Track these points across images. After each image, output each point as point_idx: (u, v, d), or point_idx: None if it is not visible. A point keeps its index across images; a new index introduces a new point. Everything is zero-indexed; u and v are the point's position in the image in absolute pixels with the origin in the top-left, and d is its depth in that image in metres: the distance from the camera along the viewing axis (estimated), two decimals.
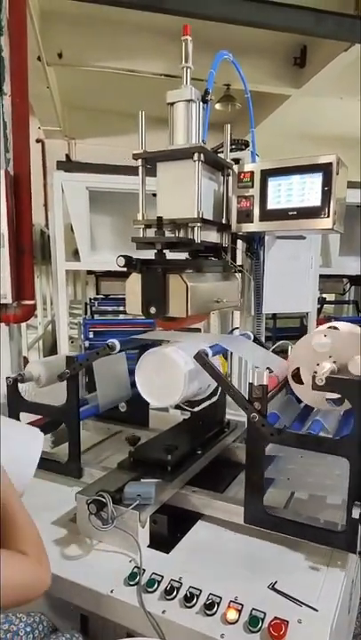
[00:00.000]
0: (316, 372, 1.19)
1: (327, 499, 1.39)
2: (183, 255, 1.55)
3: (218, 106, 5.31)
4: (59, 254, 2.85)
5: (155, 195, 1.46)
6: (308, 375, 1.28)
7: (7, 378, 1.61)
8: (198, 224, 1.34)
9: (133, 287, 1.36)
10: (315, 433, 1.26)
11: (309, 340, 1.31)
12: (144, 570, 1.14)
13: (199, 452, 1.57)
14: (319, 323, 3.41)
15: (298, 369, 1.34)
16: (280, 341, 1.76)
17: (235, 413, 1.81)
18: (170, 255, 1.41)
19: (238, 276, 1.79)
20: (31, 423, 1.65)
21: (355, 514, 1.10)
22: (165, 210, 1.41)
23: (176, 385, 1.34)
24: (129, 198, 2.48)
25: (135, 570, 1.14)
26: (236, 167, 1.59)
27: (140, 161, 1.42)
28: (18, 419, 1.63)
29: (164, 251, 1.36)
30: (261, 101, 5.60)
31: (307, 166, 1.46)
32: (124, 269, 1.36)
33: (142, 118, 1.42)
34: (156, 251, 1.36)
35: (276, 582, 1.11)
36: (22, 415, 1.65)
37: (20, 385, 1.65)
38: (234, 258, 1.88)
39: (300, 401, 1.42)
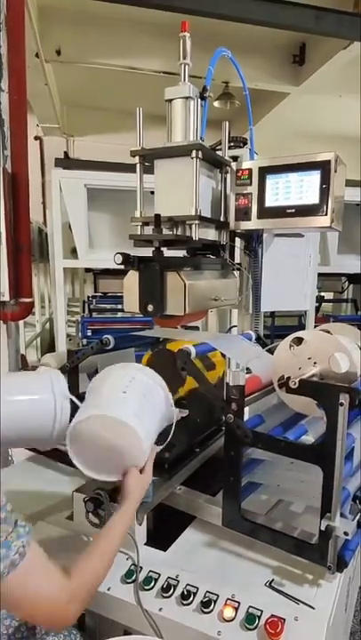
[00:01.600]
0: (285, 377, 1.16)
1: (314, 508, 1.36)
2: (181, 253, 1.55)
3: (216, 103, 5.30)
4: (57, 252, 2.84)
5: (153, 192, 1.45)
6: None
7: (23, 367, 1.63)
8: (196, 221, 1.33)
9: (131, 285, 1.36)
10: (292, 438, 1.21)
11: (285, 346, 1.29)
12: (141, 568, 1.14)
13: (197, 451, 1.57)
14: (317, 321, 3.41)
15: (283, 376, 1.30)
16: (277, 341, 1.75)
17: None
18: (168, 253, 1.40)
19: (236, 274, 1.78)
20: None
21: (323, 525, 1.05)
22: (163, 207, 1.40)
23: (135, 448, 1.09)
24: (127, 196, 2.47)
25: (132, 568, 1.14)
26: (234, 165, 1.59)
27: (137, 158, 1.41)
28: None
29: (162, 248, 1.35)
30: (260, 99, 5.59)
31: (305, 164, 1.46)
32: (122, 267, 1.36)
33: (140, 115, 1.42)
34: (153, 248, 1.35)
35: (272, 580, 1.11)
36: None
37: None
38: (232, 256, 1.88)
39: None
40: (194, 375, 1.26)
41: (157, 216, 1.35)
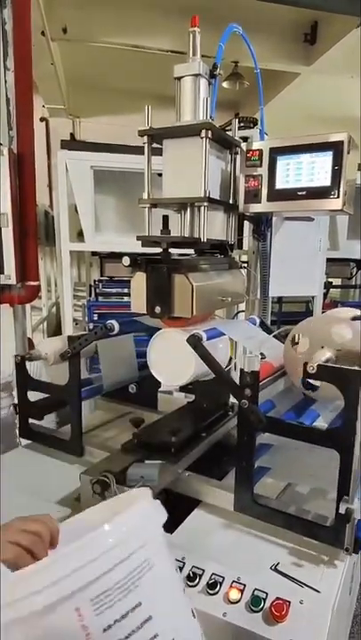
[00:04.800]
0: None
1: (326, 492, 1.37)
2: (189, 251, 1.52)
3: (225, 84, 5.19)
4: (63, 235, 2.83)
5: (160, 175, 1.43)
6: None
7: (16, 356, 1.62)
8: (205, 204, 1.31)
9: (138, 286, 1.34)
10: (307, 423, 1.22)
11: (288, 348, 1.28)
12: None
13: (203, 435, 1.57)
14: (325, 307, 3.38)
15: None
16: (284, 326, 1.74)
17: None
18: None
19: (244, 271, 1.77)
20: (39, 400, 1.67)
21: (341, 509, 1.06)
22: (171, 189, 1.38)
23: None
24: (134, 178, 2.44)
25: None
26: (244, 145, 1.55)
27: (145, 138, 1.38)
28: (25, 396, 1.67)
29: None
30: (270, 80, 5.46)
31: (317, 144, 1.42)
32: (129, 266, 1.34)
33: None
34: (161, 249, 1.33)
35: (278, 564, 1.12)
36: (30, 393, 1.67)
37: (28, 363, 1.66)
38: (240, 242, 1.86)
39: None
40: (205, 359, 1.25)
41: (165, 217, 1.33)
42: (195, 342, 1.24)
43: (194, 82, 1.35)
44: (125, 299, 3.64)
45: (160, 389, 2.05)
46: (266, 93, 1.77)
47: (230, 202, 1.55)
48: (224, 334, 1.42)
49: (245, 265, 1.85)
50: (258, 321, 1.68)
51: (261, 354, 1.20)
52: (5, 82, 2.10)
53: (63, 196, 2.77)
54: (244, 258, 1.99)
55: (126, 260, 1.29)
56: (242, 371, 1.16)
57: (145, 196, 1.40)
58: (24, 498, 1.40)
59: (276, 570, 1.11)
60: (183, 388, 1.88)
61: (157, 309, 1.29)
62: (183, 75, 1.35)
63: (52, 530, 0.84)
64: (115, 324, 1.43)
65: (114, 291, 3.73)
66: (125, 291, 3.70)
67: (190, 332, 1.34)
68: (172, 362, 1.39)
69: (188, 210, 1.40)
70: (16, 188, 2.16)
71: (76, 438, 1.55)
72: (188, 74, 1.34)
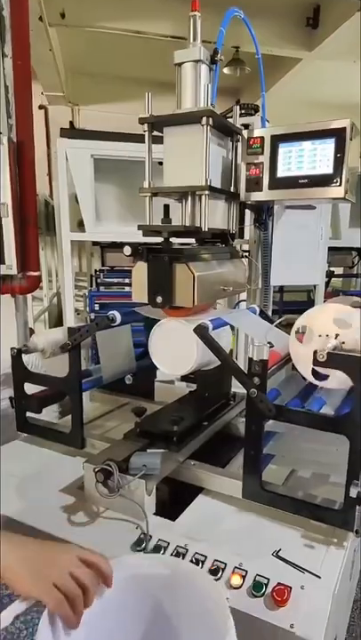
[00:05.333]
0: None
1: (329, 477, 1.39)
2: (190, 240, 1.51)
3: (226, 70, 5.13)
4: (63, 225, 2.81)
5: (161, 163, 1.41)
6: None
7: (11, 349, 1.61)
8: (206, 192, 1.30)
9: (140, 275, 1.33)
10: (315, 410, 1.24)
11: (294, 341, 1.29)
12: (150, 536, 1.17)
13: (205, 424, 1.58)
14: (327, 296, 3.38)
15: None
16: (286, 316, 1.74)
17: (240, 386, 1.82)
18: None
19: (245, 261, 1.76)
20: (36, 394, 1.67)
21: (352, 492, 1.08)
22: (172, 178, 1.37)
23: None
24: (135, 167, 2.42)
25: (142, 536, 1.16)
26: (245, 133, 1.53)
27: (145, 126, 1.37)
28: (22, 389, 1.65)
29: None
30: (271, 65, 5.39)
31: (319, 131, 1.41)
32: (129, 252, 1.33)
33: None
34: (162, 239, 1.32)
35: (279, 550, 1.13)
36: (27, 386, 1.66)
37: (25, 356, 1.65)
38: (242, 231, 1.85)
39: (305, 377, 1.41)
40: (214, 349, 1.25)
41: (166, 206, 1.32)
42: (202, 332, 1.24)
43: (194, 68, 1.33)
44: (127, 289, 3.63)
45: (162, 379, 2.06)
46: (267, 80, 1.75)
47: (231, 190, 1.53)
48: (229, 324, 1.42)
49: (247, 254, 1.84)
50: (257, 310, 1.68)
51: (269, 343, 1.20)
52: (3, 69, 2.07)
53: (63, 186, 2.76)
54: (246, 247, 1.97)
55: (127, 250, 1.28)
56: (250, 359, 1.16)
57: (145, 184, 1.39)
58: (27, 487, 1.41)
59: (277, 556, 1.12)
60: (185, 378, 1.88)
61: (159, 299, 1.29)
62: (183, 61, 1.33)
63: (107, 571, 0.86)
64: (117, 315, 1.43)
65: (115, 281, 3.72)
66: (127, 281, 3.70)
67: (192, 321, 1.34)
68: (174, 351, 1.40)
69: (190, 199, 1.40)
70: (16, 177, 2.14)
71: (77, 430, 1.55)
72: (189, 60, 1.32)
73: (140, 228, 1.35)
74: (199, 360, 1.39)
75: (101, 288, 3.73)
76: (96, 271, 3.99)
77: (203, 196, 1.31)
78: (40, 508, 1.30)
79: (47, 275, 5.62)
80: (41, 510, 1.29)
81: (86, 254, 5.00)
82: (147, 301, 1.32)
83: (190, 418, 1.56)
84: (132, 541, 1.15)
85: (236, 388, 1.85)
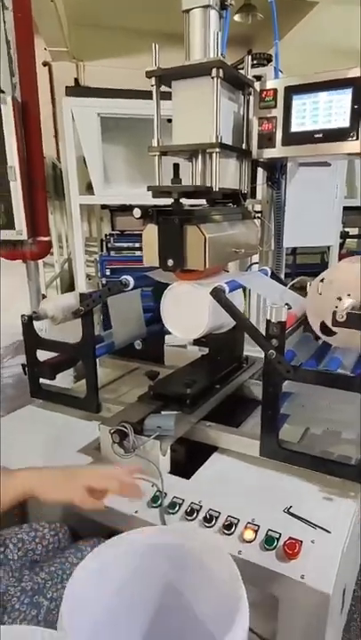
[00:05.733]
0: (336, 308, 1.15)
1: (342, 434, 1.41)
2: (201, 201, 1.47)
3: (237, 17, 4.83)
4: (72, 187, 2.75)
5: (170, 121, 1.36)
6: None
7: (22, 316, 1.62)
8: (217, 150, 1.25)
9: (150, 238, 1.31)
10: (333, 370, 1.25)
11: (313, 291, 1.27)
12: (166, 493, 1.21)
13: (217, 387, 1.60)
14: (341, 258, 3.31)
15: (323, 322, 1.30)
16: (299, 277, 1.72)
17: (252, 349, 1.82)
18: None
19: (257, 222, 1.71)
20: (49, 360, 1.68)
21: None
22: (181, 135, 1.32)
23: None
24: (143, 125, 2.34)
25: (157, 494, 1.20)
26: (257, 85, 1.46)
27: (153, 80, 1.31)
28: (34, 356, 1.67)
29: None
30: (285, 11, 5.05)
31: (335, 81, 1.33)
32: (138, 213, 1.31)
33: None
34: (172, 200, 1.28)
35: (291, 507, 1.16)
36: (39, 353, 1.67)
37: (36, 323, 1.66)
38: (253, 191, 1.79)
39: (317, 338, 1.41)
40: (231, 311, 1.25)
41: (176, 165, 1.28)
42: (218, 294, 1.23)
43: (203, 14, 1.25)
44: (137, 253, 3.60)
45: (174, 344, 2.07)
46: (281, 27, 1.64)
47: (243, 147, 1.48)
48: (243, 286, 1.41)
49: (259, 215, 1.79)
50: (269, 272, 1.66)
51: (287, 304, 1.19)
52: (4, 22, 1.98)
53: (70, 147, 2.68)
54: (258, 208, 1.92)
55: (137, 212, 1.26)
56: (268, 321, 1.16)
57: (154, 143, 1.35)
58: (45, 448, 1.46)
59: (289, 512, 1.15)
60: (197, 342, 1.89)
61: (170, 262, 1.27)
62: (192, 6, 1.25)
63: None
64: (130, 279, 1.42)
65: (125, 245, 3.68)
66: (137, 245, 3.66)
67: (204, 284, 1.33)
68: (186, 315, 1.40)
69: (200, 157, 1.35)
70: (22, 138, 2.09)
71: (91, 395, 1.58)
72: (198, 5, 1.25)
73: (149, 189, 1.32)
74: (211, 323, 1.38)
75: (112, 253, 3.70)
76: (106, 235, 3.95)
77: (213, 154, 1.27)
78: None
79: (57, 240, 5.58)
80: None
81: (96, 219, 4.94)
82: (158, 265, 1.31)
83: (203, 380, 1.58)
84: (149, 498, 1.20)
85: (249, 351, 1.86)
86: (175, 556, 0.90)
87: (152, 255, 1.31)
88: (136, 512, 1.17)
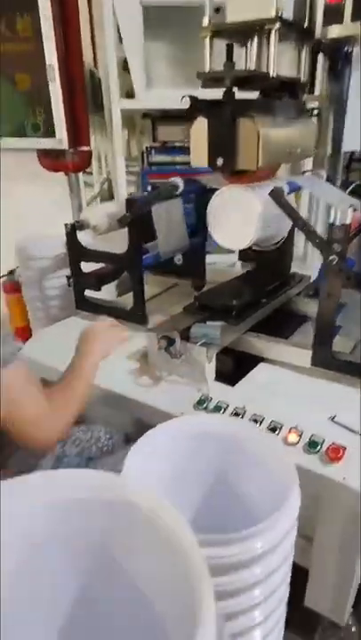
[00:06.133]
0: None
1: None
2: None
3: None
4: (113, 89, 2.56)
5: (218, 10, 1.19)
6: None
7: (65, 224, 1.57)
8: (277, 25, 1.09)
9: (199, 134, 1.21)
10: None
11: None
12: (211, 397, 1.23)
13: (264, 301, 1.56)
14: None
15: None
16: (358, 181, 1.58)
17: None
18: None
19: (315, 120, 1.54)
20: (94, 271, 1.66)
21: None
22: (235, 10, 1.15)
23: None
24: (190, 18, 2.10)
25: (203, 397, 1.23)
26: None
27: None
28: (78, 267, 1.64)
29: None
30: None
31: None
32: (185, 108, 1.20)
33: None
34: (223, 90, 1.16)
35: (336, 416, 1.16)
36: (83, 264, 1.65)
37: (79, 234, 1.61)
38: (311, 86, 1.60)
39: None
40: (289, 213, 1.18)
41: (230, 46, 1.13)
42: (278, 195, 1.15)
43: None
44: (178, 166, 3.43)
45: (216, 262, 2.00)
46: None
47: (305, 26, 1.29)
48: (302, 188, 1.31)
49: (316, 112, 1.61)
50: (324, 176, 1.53)
51: (352, 206, 1.10)
52: None
53: (110, 43, 2.44)
54: (315, 105, 1.72)
55: (186, 101, 1.15)
56: (331, 225, 1.09)
57: (205, 22, 1.19)
58: None
59: (333, 420, 1.15)
60: (243, 258, 1.82)
61: (219, 161, 1.18)
62: None
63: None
64: (179, 181, 1.34)
65: (167, 159, 3.50)
66: (177, 159, 3.48)
67: (255, 189, 1.24)
68: (234, 222, 1.33)
69: (255, 39, 1.19)
70: (60, 35, 1.92)
71: (138, 307, 1.57)
72: None
73: (198, 76, 1.19)
74: (261, 232, 1.31)
75: (152, 167, 3.54)
76: (147, 148, 3.77)
77: (272, 33, 1.11)
78: (109, 372, 1.37)
79: (97, 159, 5.40)
80: (112, 374, 1.34)
81: (136, 134, 4.69)
82: (206, 165, 1.22)
83: (249, 294, 1.54)
84: (195, 401, 1.22)
85: (296, 268, 1.79)
86: (228, 439, 0.92)
87: (201, 154, 1.22)
88: (182, 413, 1.20)
